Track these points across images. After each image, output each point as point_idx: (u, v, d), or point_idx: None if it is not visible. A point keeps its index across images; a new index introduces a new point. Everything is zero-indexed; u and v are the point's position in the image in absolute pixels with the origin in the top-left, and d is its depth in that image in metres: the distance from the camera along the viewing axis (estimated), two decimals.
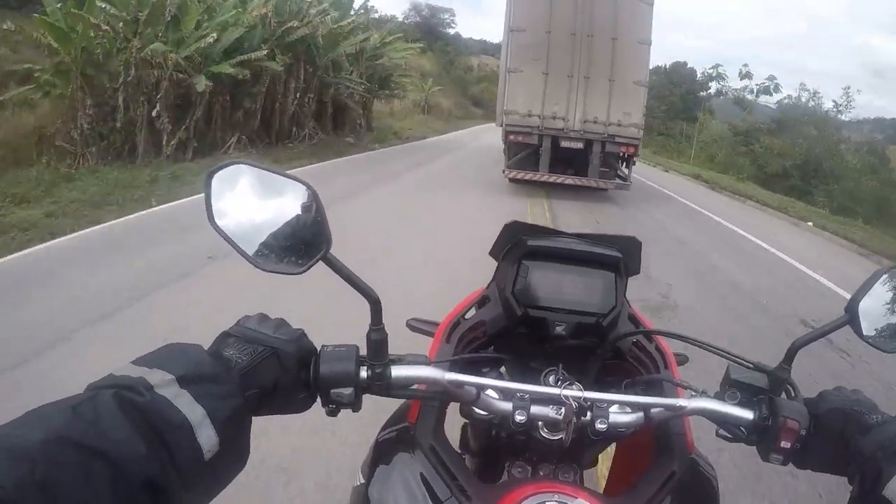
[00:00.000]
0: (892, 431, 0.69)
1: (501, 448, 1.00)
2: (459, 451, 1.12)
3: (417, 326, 1.39)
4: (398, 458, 0.85)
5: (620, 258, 1.10)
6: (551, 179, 11.26)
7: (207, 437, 0.55)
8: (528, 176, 11.24)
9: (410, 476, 0.80)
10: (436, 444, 0.83)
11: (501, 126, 11.92)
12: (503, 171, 11.66)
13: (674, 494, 0.81)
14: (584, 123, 10.93)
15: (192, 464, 0.54)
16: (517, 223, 1.17)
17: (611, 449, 1.16)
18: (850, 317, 0.81)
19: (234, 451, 0.60)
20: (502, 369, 1.10)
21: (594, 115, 10.91)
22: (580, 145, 11.09)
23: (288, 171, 0.75)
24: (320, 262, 0.72)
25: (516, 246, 1.12)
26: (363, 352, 0.77)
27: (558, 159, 11.32)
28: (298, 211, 0.72)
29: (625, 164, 11.80)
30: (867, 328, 0.82)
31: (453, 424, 1.04)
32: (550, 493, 0.71)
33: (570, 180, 11.26)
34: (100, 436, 0.47)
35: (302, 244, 0.72)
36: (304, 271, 0.72)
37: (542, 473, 0.94)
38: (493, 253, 1.20)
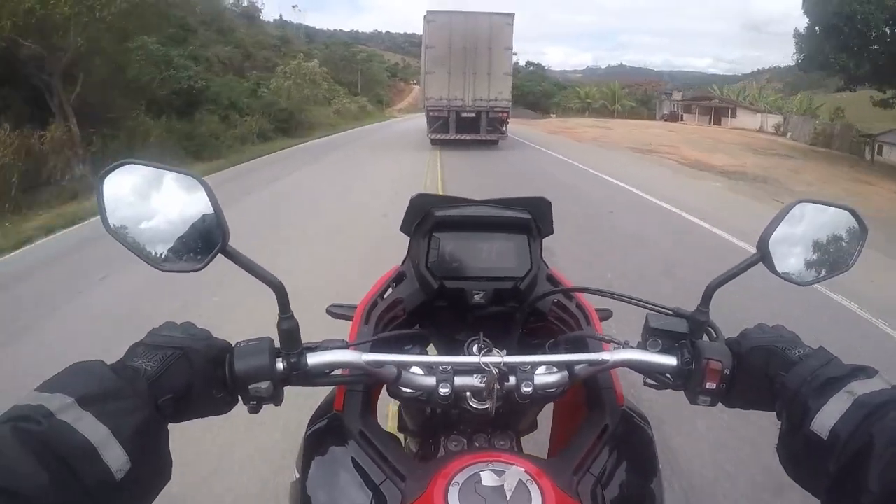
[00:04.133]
0: (815, 365, 0.68)
1: (437, 423, 0.99)
2: (400, 432, 1.15)
3: (338, 312, 1.32)
4: (330, 448, 0.82)
5: (530, 219, 1.09)
6: (457, 137, 18.28)
7: (115, 457, 0.53)
8: (443, 136, 18.28)
9: (343, 464, 0.78)
10: (365, 428, 0.81)
11: (424, 108, 18.87)
12: (427, 135, 18.73)
13: (610, 447, 0.81)
14: (475, 101, 18.00)
15: (101, 486, 0.52)
16: (423, 196, 1.14)
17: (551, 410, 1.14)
18: (762, 254, 0.79)
19: (150, 464, 0.59)
20: (430, 346, 1.10)
21: (480, 95, 17.98)
22: (473, 115, 18.20)
23: (178, 167, 0.72)
24: (220, 255, 0.69)
25: (425, 219, 1.10)
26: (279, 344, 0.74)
27: (460, 125, 18.35)
28: (193, 205, 0.69)
29: (502, 124, 18.98)
30: (780, 264, 0.81)
31: (392, 407, 1.05)
32: (485, 462, 0.70)
33: (469, 136, 18.34)
34: (0, 473, 0.46)
35: (199, 239, 0.70)
36: (203, 267, 0.70)
37: (477, 444, 0.92)
38: (403, 228, 1.16)
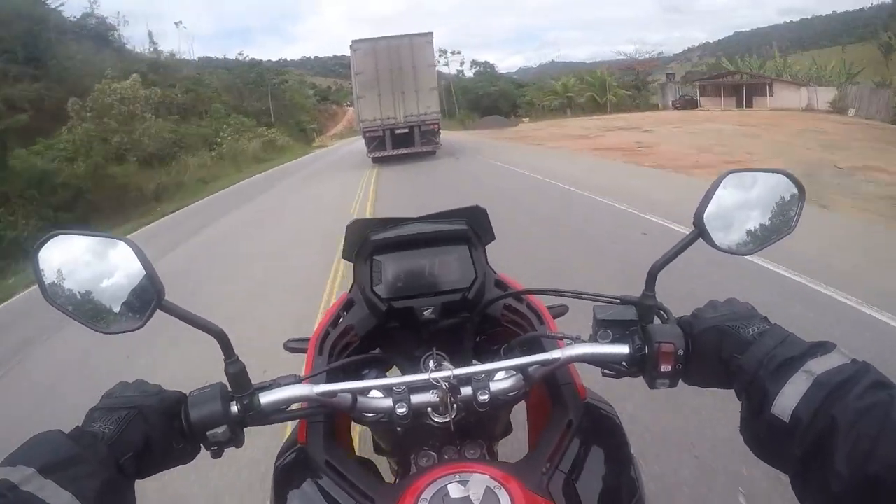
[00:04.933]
0: (770, 345, 0.67)
1: (409, 441, 0.98)
2: (377, 454, 1.15)
3: (294, 346, 1.36)
4: (298, 481, 0.83)
5: (467, 230, 1.12)
6: (395, 153, 19.62)
7: None
8: (382, 153, 19.62)
9: (313, 496, 0.79)
10: (330, 457, 0.82)
11: (360, 131, 20.20)
12: (367, 154, 20.02)
13: (577, 441, 0.82)
14: (406, 118, 19.41)
15: None
16: (359, 221, 1.16)
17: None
18: (700, 230, 0.79)
19: None
20: (396, 368, 1.11)
21: (411, 112, 19.40)
22: (407, 130, 19.59)
23: (106, 232, 0.74)
24: (158, 310, 0.71)
25: (364, 244, 1.11)
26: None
27: (396, 141, 19.68)
28: (126, 266, 0.72)
29: (435, 135, 20.35)
30: (718, 237, 0.81)
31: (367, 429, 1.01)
32: (452, 474, 0.70)
33: (405, 150, 19.66)
34: None
35: (136, 298, 0.72)
36: (143, 325, 0.72)
37: (447, 457, 0.93)
38: (345, 256, 1.18)
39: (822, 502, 0.56)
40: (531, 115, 53.18)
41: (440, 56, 72.44)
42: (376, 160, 19.83)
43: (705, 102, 42.08)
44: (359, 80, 19.41)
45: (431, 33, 19.93)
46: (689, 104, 42.23)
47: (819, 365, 0.62)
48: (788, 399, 0.61)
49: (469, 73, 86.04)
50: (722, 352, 0.73)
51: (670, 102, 46.31)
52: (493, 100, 66.32)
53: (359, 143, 20.61)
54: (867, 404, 0.55)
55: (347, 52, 19.92)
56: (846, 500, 0.53)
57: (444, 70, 75.51)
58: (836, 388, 0.58)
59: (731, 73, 43.26)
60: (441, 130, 20.77)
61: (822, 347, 0.64)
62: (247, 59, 62.25)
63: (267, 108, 52.81)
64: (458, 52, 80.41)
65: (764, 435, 0.64)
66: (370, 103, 19.32)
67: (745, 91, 39.39)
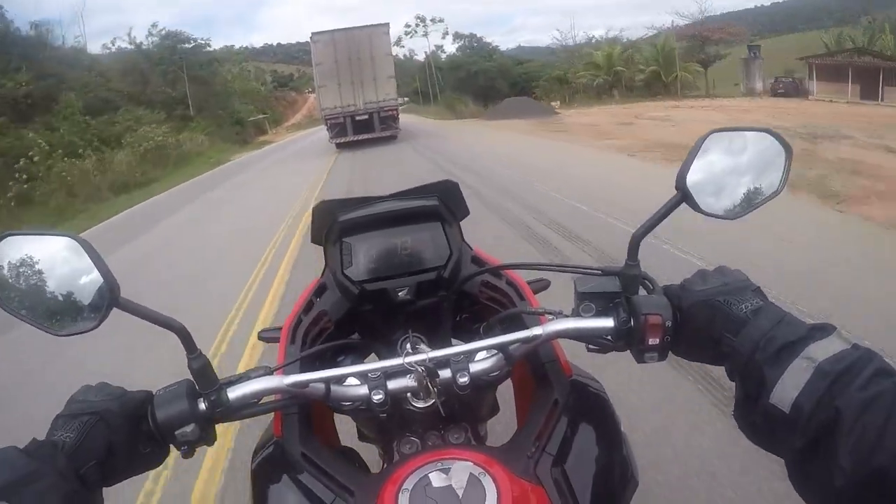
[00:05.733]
0: (766, 326, 0.63)
1: (391, 427, 0.95)
2: (362, 441, 1.12)
3: (268, 336, 1.32)
4: (276, 476, 0.81)
5: (439, 205, 1.08)
6: (356, 138, 20.83)
7: None
8: (344, 139, 20.86)
9: (291, 491, 0.76)
10: (307, 449, 0.80)
11: (323, 118, 21.37)
12: (329, 140, 21.28)
13: (565, 420, 0.80)
14: (366, 104, 20.64)
15: None
16: (325, 202, 1.13)
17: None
18: (683, 194, 0.75)
19: None
20: (373, 353, 1.08)
21: (370, 99, 20.64)
22: (367, 117, 20.82)
23: (54, 229, 0.69)
24: (115, 308, 0.68)
25: (332, 226, 1.08)
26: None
27: (357, 127, 20.90)
28: (78, 265, 0.69)
29: (395, 121, 21.68)
30: (703, 201, 0.76)
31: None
32: (434, 462, 0.69)
33: (366, 136, 20.89)
34: None
35: (91, 297, 0.69)
36: (99, 324, 0.69)
37: (430, 442, 0.90)
38: (314, 239, 1.15)
39: (824, 495, 0.54)
40: (561, 99, 40.41)
41: (418, 24, 65.31)
42: (338, 145, 21.05)
43: (820, 89, 28.99)
44: (319, 70, 20.59)
45: (388, 24, 21.20)
46: (794, 90, 30.35)
47: (820, 351, 0.58)
48: (789, 388, 0.57)
49: (451, 49, 69.96)
50: (713, 329, 0.69)
51: (759, 85, 33.43)
52: (489, 78, 51.23)
53: (316, 136, 19.85)
54: (872, 394, 0.52)
55: (309, 39, 21.02)
56: (849, 493, 0.51)
57: (423, 42, 68.04)
58: (838, 377, 0.55)
59: (854, 51, 29.96)
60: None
61: (821, 330, 0.61)
62: (162, 31, 40.98)
63: (184, 95, 37.70)
64: (441, 20, 67.80)
65: (761, 423, 0.61)
66: (331, 92, 20.49)
67: (883, 77, 26.18)
